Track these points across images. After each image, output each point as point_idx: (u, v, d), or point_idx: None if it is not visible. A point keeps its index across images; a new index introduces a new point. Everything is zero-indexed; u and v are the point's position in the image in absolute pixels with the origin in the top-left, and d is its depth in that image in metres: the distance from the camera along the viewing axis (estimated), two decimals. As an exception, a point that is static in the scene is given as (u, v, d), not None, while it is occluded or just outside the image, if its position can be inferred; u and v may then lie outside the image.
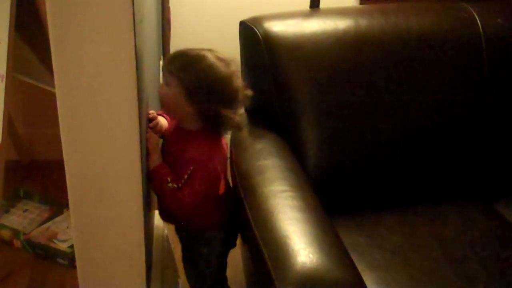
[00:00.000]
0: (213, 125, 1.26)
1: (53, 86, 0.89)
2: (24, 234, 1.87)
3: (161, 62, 2.01)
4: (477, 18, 1.58)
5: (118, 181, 0.98)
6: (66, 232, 1.88)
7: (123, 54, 0.89)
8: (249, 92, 1.28)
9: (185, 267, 1.45)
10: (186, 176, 1.22)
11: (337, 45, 1.47)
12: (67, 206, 1.31)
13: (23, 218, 1.97)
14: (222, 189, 1.32)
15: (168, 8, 1.93)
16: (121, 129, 0.94)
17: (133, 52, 0.90)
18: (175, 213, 1.32)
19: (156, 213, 1.46)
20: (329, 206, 1.20)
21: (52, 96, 0.92)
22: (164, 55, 2.01)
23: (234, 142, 1.45)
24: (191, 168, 1.22)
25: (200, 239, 1.36)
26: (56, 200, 2.04)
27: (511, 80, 1.57)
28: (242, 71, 1.59)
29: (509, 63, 1.57)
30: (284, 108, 1.47)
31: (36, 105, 2.26)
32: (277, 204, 1.14)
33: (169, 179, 1.23)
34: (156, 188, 1.26)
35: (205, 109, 1.22)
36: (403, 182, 1.54)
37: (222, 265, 1.42)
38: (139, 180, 1.00)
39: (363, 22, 1.51)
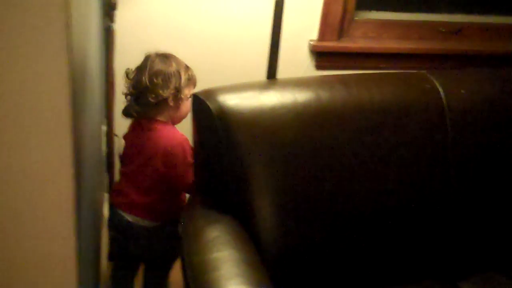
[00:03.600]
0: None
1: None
2: None
3: (104, 127, 1.86)
4: (440, 89, 1.51)
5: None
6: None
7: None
8: None
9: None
10: None
11: (297, 120, 1.36)
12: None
13: None
14: None
15: (112, 73, 1.79)
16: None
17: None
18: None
19: None
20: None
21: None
22: (108, 119, 1.86)
23: (185, 229, 1.30)
24: None
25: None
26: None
27: (475, 156, 1.50)
28: (194, 146, 1.46)
29: (474, 137, 1.50)
30: (239, 187, 1.34)
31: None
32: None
33: None
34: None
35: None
36: (367, 264, 1.43)
37: None
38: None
39: (323, 95, 1.41)
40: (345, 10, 1.94)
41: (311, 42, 1.96)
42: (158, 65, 1.55)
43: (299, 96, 1.39)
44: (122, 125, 1.94)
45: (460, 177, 1.49)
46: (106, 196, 1.97)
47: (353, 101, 1.43)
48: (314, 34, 1.97)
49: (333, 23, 1.94)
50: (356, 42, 2.00)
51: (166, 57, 1.57)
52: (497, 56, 2.08)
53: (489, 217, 1.55)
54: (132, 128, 1.67)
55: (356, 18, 2.02)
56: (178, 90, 1.55)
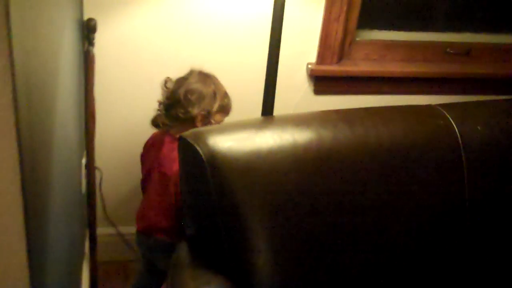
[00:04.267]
0: None
1: None
2: None
3: (83, 161, 1.70)
4: (454, 126, 1.37)
5: None
6: None
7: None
8: None
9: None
10: None
11: (297, 165, 1.21)
12: None
13: None
14: None
15: (92, 101, 1.63)
16: None
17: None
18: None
19: None
20: None
21: None
22: (87, 150, 1.70)
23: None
24: None
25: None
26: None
27: (494, 199, 1.36)
28: (181, 192, 1.31)
29: (492, 178, 1.36)
30: (234, 243, 1.19)
31: None
32: None
33: None
34: None
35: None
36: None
37: None
38: None
39: (326, 135, 1.27)
40: (345, 31, 1.79)
41: (310, 66, 1.81)
42: (197, 83, 1.52)
43: (299, 137, 1.24)
44: (104, 156, 1.79)
45: (477, 224, 1.35)
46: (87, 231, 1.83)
47: (358, 142, 1.28)
48: (312, 57, 1.82)
49: (332, 45, 1.79)
50: (357, 65, 1.85)
51: (207, 77, 1.55)
52: (510, 79, 1.94)
53: (506, 263, 1.41)
54: (148, 148, 1.64)
55: (357, 39, 1.88)
56: (209, 113, 1.51)
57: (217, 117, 1.53)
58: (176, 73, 1.56)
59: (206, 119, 1.51)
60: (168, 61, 1.73)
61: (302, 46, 1.78)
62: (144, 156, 1.66)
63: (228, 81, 1.55)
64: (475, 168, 1.35)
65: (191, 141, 1.19)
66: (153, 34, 1.71)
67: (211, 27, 1.71)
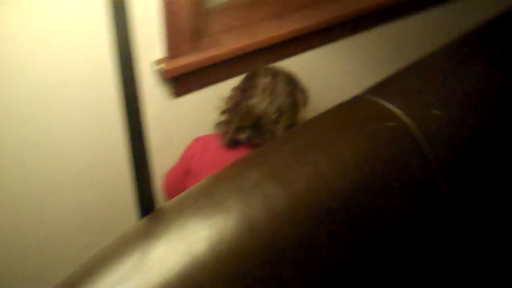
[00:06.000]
0: None
1: None
2: None
3: None
4: (408, 121, 0.95)
5: None
6: None
7: None
8: None
9: None
10: None
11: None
12: None
13: None
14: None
15: None
16: None
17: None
18: None
19: None
20: None
21: None
22: None
23: None
24: None
25: None
26: None
27: (476, 201, 1.00)
28: None
29: (470, 175, 0.99)
30: None
31: None
32: None
33: None
34: None
35: None
36: None
37: None
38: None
39: (254, 214, 0.80)
40: (195, 3, 1.24)
41: (159, 66, 1.26)
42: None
43: (215, 236, 0.75)
44: None
45: (463, 232, 0.99)
46: None
47: (305, 199, 0.82)
48: (159, 51, 1.26)
49: (183, 26, 1.24)
50: (220, 44, 1.33)
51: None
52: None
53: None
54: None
55: (210, 6, 1.34)
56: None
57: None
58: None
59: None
60: None
61: (143, 43, 1.21)
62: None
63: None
64: (448, 168, 0.96)
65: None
66: None
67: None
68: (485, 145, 1.00)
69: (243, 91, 1.28)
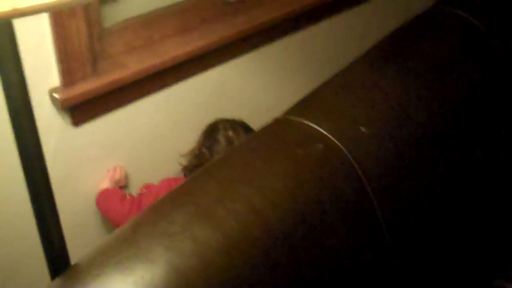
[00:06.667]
0: None
1: None
2: None
3: None
4: (337, 143, 0.90)
5: None
6: None
7: None
8: None
9: None
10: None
11: None
12: None
13: None
14: None
15: None
16: None
17: None
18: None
19: None
20: None
21: None
22: None
23: None
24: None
25: None
26: None
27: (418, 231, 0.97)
28: None
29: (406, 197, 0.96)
30: None
31: None
32: None
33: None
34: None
35: None
36: None
37: None
38: None
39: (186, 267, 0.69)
40: (89, 23, 1.13)
41: (55, 95, 1.13)
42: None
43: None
44: None
45: (407, 267, 0.96)
46: None
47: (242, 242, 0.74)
48: (55, 79, 1.13)
49: (79, 51, 1.12)
50: (121, 68, 1.22)
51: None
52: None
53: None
54: None
55: (107, 27, 1.23)
56: None
57: None
58: None
59: None
60: None
61: (37, 72, 1.08)
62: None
63: None
64: (377, 184, 0.92)
65: None
66: None
67: None
68: (414, 158, 0.98)
69: (209, 148, 1.30)
